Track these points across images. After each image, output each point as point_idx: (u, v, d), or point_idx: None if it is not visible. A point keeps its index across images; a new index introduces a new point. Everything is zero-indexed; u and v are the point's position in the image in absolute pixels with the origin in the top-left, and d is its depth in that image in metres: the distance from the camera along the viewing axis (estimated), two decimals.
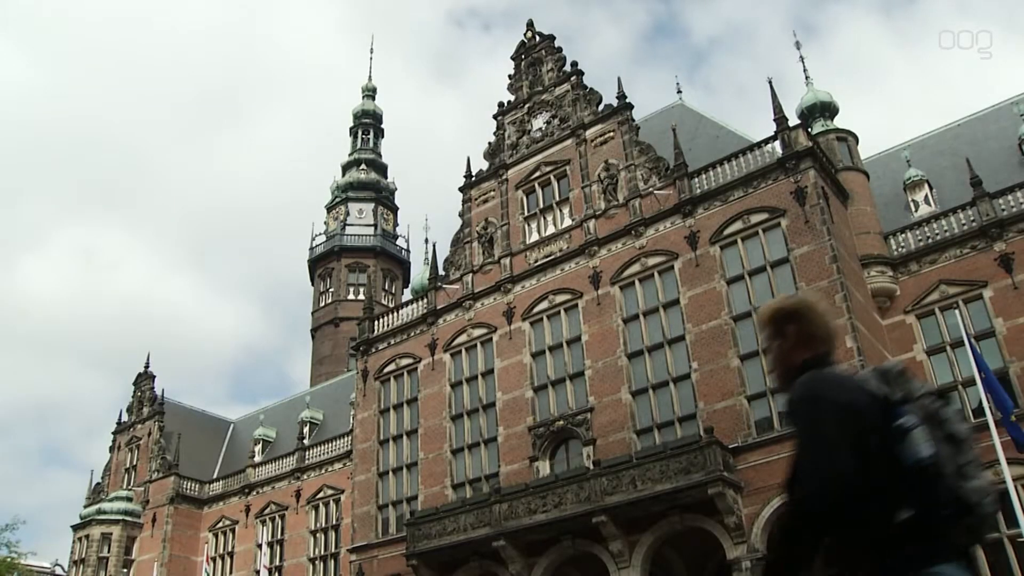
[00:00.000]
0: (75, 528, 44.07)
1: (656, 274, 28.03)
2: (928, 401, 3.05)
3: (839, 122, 30.52)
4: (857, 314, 24.27)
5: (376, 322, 36.07)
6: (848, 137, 29.67)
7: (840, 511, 2.88)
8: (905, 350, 26.54)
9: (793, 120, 27.80)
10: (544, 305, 30.30)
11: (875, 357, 24.68)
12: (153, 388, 48.37)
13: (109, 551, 42.29)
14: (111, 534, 42.76)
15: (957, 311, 25.33)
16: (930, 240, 27.13)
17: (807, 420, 3.10)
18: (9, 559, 42.43)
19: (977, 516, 2.90)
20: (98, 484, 48.42)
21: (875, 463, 2.92)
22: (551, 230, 31.53)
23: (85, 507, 45.66)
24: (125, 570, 42.42)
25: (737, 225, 26.81)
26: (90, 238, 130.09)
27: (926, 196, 29.21)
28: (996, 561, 23.47)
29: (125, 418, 49.10)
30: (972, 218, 26.58)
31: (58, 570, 53.40)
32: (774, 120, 27.37)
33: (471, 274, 32.99)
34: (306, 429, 42.82)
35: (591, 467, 25.72)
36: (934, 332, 26.26)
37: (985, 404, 19.79)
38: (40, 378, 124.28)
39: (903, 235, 27.75)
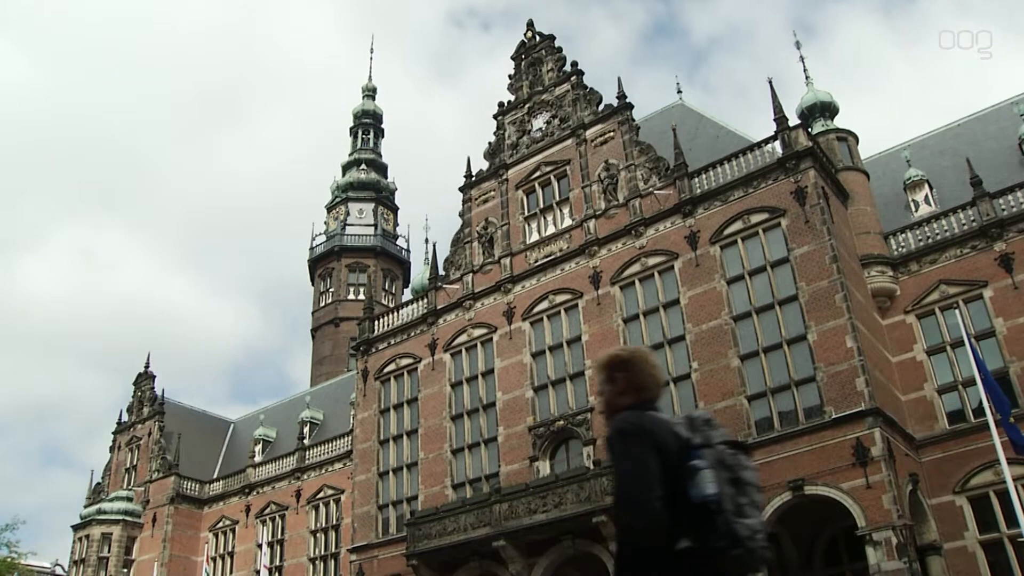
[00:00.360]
0: (75, 528, 44.09)
1: (656, 274, 28.04)
2: (723, 448, 3.55)
3: (839, 122, 30.53)
4: (857, 314, 24.29)
5: (376, 322, 36.08)
6: (848, 137, 29.67)
7: (660, 536, 3.34)
8: (905, 350, 26.58)
9: (793, 120, 27.82)
10: (544, 305, 30.31)
11: (875, 357, 24.74)
12: (153, 388, 48.41)
13: (109, 551, 42.33)
14: (111, 534, 42.79)
15: (957, 311, 25.36)
16: (930, 240, 27.16)
17: (622, 453, 3.53)
18: (9, 559, 42.46)
19: (746, 549, 3.34)
20: (98, 484, 48.45)
21: (671, 496, 3.35)
22: (551, 230, 31.55)
23: (85, 507, 45.70)
24: (125, 570, 42.44)
25: (737, 225, 26.81)
26: (90, 238, 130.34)
27: (926, 196, 29.23)
28: (996, 561, 23.54)
29: (125, 418, 49.15)
30: (972, 218, 26.61)
31: (58, 570, 53.42)
32: (774, 120, 27.37)
33: (471, 274, 32.99)
34: (306, 429, 42.85)
35: (591, 467, 25.76)
36: (934, 332, 26.30)
37: (985, 404, 19.81)
38: (40, 378, 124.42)
39: (903, 235, 27.78)
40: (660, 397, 3.83)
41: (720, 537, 3.31)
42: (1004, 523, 23.29)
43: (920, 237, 27.46)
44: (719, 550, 3.32)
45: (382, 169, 66.82)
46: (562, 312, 29.85)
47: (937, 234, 27.15)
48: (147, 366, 49.89)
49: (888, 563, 21.37)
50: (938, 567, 23.89)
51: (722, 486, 3.39)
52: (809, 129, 28.10)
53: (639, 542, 3.43)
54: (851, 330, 23.67)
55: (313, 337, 61.03)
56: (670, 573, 3.38)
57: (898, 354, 26.66)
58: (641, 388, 3.77)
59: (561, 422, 28.40)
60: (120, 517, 43.42)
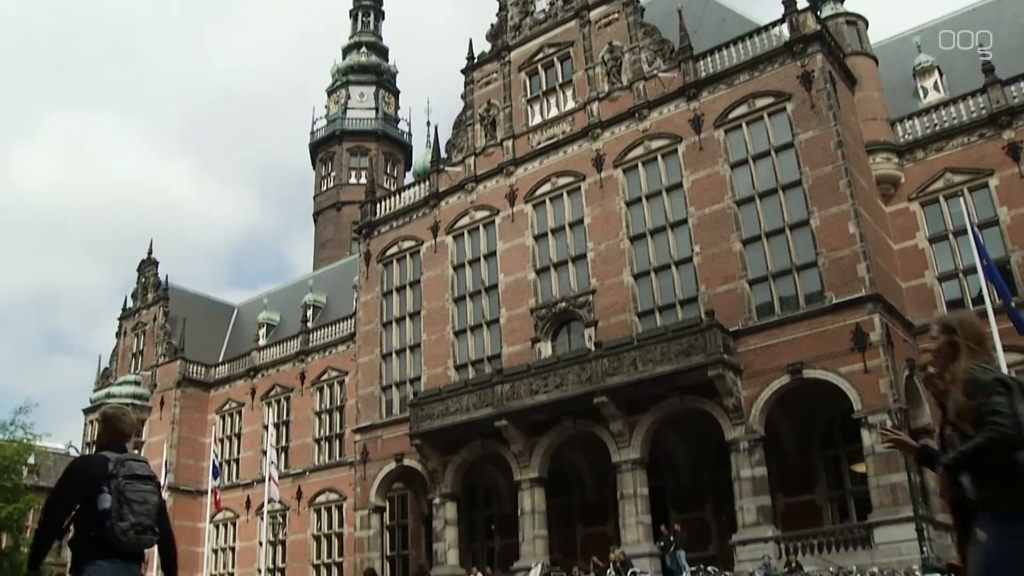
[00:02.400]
0: (86, 412, 44.96)
1: (659, 157, 27.88)
2: (123, 479, 5.36)
3: (849, 5, 29.81)
4: (860, 200, 24.24)
5: (378, 205, 36.02)
6: (858, 21, 29.11)
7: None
8: (907, 238, 26.60)
9: (802, 3, 27.19)
10: (547, 188, 30.23)
11: (877, 244, 24.79)
12: (157, 274, 48.62)
13: None
14: None
15: (961, 199, 25.17)
16: (937, 127, 26.88)
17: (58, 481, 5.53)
18: (25, 441, 43.26)
19: (122, 539, 5.24)
20: (106, 369, 49.10)
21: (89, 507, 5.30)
22: (554, 112, 31.24)
23: (95, 391, 46.51)
24: (136, 451, 43.18)
25: (742, 109, 26.54)
26: (82, 127, 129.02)
27: (936, 83, 28.84)
28: None
29: (130, 304, 49.50)
30: (982, 105, 26.27)
31: (72, 451, 54.49)
32: (782, 2, 26.80)
33: (473, 157, 32.79)
34: (309, 312, 43.21)
35: (592, 349, 26.04)
36: (937, 220, 26.24)
37: (985, 292, 19.89)
38: (40, 267, 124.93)
39: (910, 122, 27.50)
40: (126, 441, 5.80)
41: (110, 531, 5.23)
42: None
43: (927, 124, 27.17)
44: (109, 539, 5.24)
45: (383, 52, 65.79)
46: (564, 195, 29.78)
47: (945, 121, 26.85)
48: (150, 252, 50.04)
49: (882, 445, 21.71)
50: None
51: (114, 502, 5.26)
52: (818, 12, 27.51)
53: None
54: (854, 216, 23.66)
55: (315, 222, 61.03)
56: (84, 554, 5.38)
57: (900, 242, 26.68)
58: (112, 434, 5.75)
59: (563, 304, 28.61)
60: (129, 401, 43.98)
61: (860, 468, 23.89)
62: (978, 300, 22.84)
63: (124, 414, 5.90)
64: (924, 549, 19.15)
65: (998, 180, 25.36)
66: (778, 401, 24.03)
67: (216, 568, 41.84)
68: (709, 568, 21.30)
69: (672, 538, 23.39)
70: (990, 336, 3.34)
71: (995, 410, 3.72)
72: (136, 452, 6.85)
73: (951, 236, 25.84)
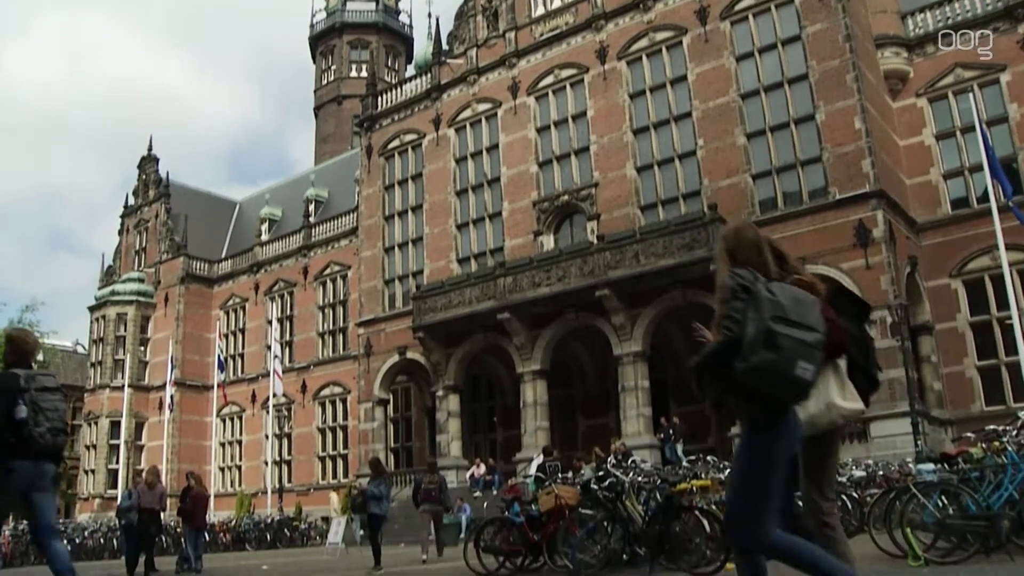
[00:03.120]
0: (91, 309, 45.17)
1: (664, 49, 27.44)
2: (35, 391, 6.05)
3: None
4: (867, 95, 23.90)
5: (379, 98, 35.61)
6: None
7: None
8: (914, 134, 26.32)
9: None
10: (550, 80, 29.83)
11: (883, 140, 24.54)
12: (158, 171, 48.36)
13: (125, 330, 43.57)
14: (126, 314, 43.91)
15: (971, 95, 24.70)
16: (950, 21, 26.26)
17: None
18: None
19: (40, 442, 6.00)
20: (110, 267, 49.23)
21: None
22: (557, 3, 30.60)
23: (99, 289, 46.68)
24: (142, 348, 43.72)
25: (749, 0, 26.00)
26: (72, 22, 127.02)
27: None
28: (983, 342, 24.26)
29: (132, 201, 49.34)
30: None
31: (79, 349, 55.08)
32: None
33: (475, 48, 32.26)
34: (311, 207, 43.13)
35: (595, 242, 26.06)
36: (945, 116, 25.85)
37: (990, 189, 19.75)
38: (38, 165, 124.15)
39: (921, 15, 26.88)
40: (32, 358, 6.58)
41: (24, 436, 5.94)
42: (995, 306, 23.79)
43: (939, 18, 26.57)
44: (26, 441, 5.96)
45: None
46: (567, 87, 29.40)
47: (958, 14, 26.23)
48: (150, 149, 49.68)
49: (881, 341, 21.86)
50: (928, 346, 24.57)
51: (30, 411, 5.98)
52: None
53: None
54: (860, 111, 23.38)
55: (316, 116, 60.50)
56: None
57: (906, 138, 26.40)
58: (19, 353, 6.43)
59: (565, 197, 28.51)
60: (133, 298, 44.40)
61: None
62: (983, 198, 22.71)
63: (27, 335, 6.91)
64: (919, 443, 19.39)
65: (1010, 76, 24.88)
66: None
67: (223, 461, 42.66)
68: (708, 457, 21.60)
69: (671, 430, 23.74)
70: (767, 242, 3.41)
71: (728, 315, 3.87)
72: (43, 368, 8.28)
73: (958, 133, 25.51)
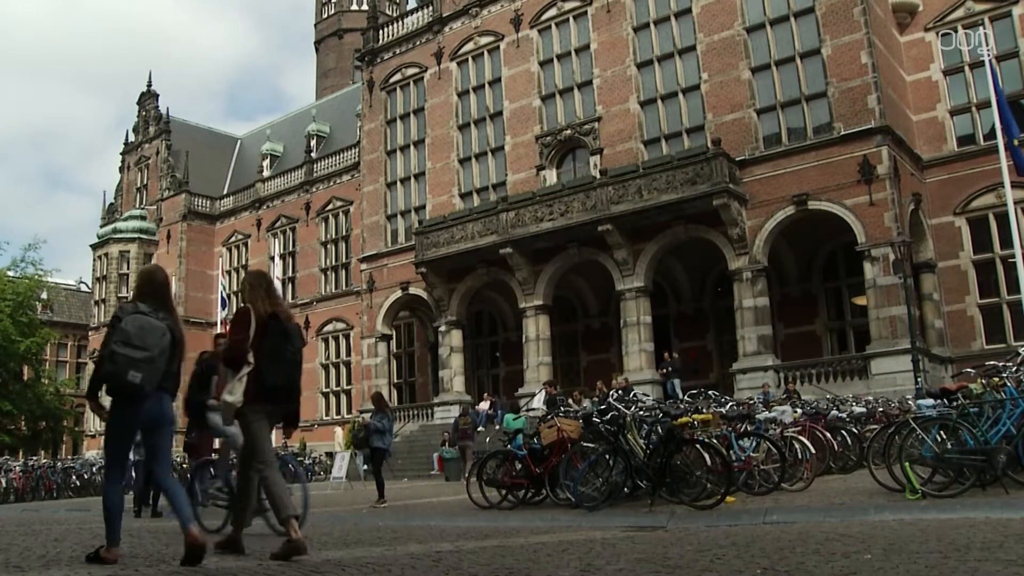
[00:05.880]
0: (94, 247, 45.27)
1: None
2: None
3: None
4: (875, 29, 23.55)
5: (381, 31, 35.19)
6: None
7: None
8: (921, 69, 26.04)
9: None
10: (552, 12, 29.42)
11: (890, 75, 24.27)
12: (157, 107, 48.09)
13: (128, 267, 43.63)
14: (128, 251, 44.02)
15: (981, 28, 24.39)
16: None
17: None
18: (36, 277, 43.80)
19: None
20: (111, 204, 49.18)
21: None
22: None
23: (101, 227, 46.71)
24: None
25: None
26: None
27: None
28: (985, 280, 24.29)
29: (132, 138, 49.09)
30: None
31: (83, 287, 55.22)
32: None
33: None
34: (313, 142, 42.91)
35: (598, 176, 25.91)
36: (954, 52, 25.39)
37: (997, 126, 19.52)
38: (32, 102, 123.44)
39: None
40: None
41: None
42: (999, 244, 23.74)
43: None
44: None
45: None
46: (571, 20, 29.01)
47: None
48: (149, 84, 49.36)
49: (884, 278, 21.94)
50: (930, 283, 24.58)
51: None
52: None
53: None
54: (867, 46, 23.08)
55: (316, 51, 59.89)
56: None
57: (913, 73, 26.11)
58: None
59: (568, 131, 28.30)
60: (135, 235, 44.43)
61: (861, 301, 24.12)
62: (990, 135, 22.52)
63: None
64: (919, 380, 19.46)
65: (1023, 9, 24.55)
66: (782, 232, 24.03)
67: None
68: (710, 392, 21.76)
69: (670, 366, 23.85)
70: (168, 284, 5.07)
71: (105, 338, 5.73)
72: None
73: (967, 68, 25.25)
